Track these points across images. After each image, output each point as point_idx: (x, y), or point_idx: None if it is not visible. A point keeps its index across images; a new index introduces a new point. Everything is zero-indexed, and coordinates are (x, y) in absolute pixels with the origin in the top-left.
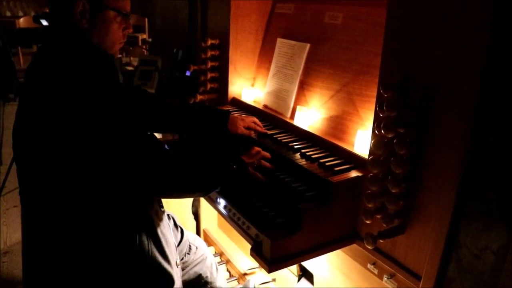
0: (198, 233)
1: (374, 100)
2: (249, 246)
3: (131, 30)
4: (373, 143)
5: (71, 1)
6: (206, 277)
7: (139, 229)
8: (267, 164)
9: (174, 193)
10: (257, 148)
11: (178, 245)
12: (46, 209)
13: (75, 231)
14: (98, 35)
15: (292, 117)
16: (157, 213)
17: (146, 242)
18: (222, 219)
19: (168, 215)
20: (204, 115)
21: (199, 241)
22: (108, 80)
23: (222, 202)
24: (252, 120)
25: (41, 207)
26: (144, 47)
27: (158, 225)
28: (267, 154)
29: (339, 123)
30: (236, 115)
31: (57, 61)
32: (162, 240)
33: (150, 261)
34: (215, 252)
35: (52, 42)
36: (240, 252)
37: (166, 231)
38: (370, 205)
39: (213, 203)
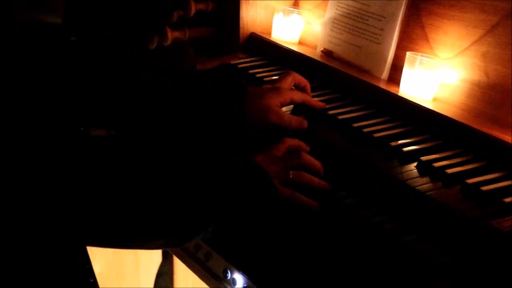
0: None
1: None
2: None
3: None
4: None
5: None
6: None
7: None
8: (316, 182)
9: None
10: (292, 141)
11: None
12: None
13: None
14: None
15: (392, 79)
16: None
17: None
18: None
19: None
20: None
21: None
22: None
23: (239, 280)
24: (295, 80)
25: None
26: None
27: None
28: (315, 162)
29: (504, 94)
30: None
31: None
32: None
33: None
34: None
35: None
36: None
37: None
38: None
39: (220, 283)
